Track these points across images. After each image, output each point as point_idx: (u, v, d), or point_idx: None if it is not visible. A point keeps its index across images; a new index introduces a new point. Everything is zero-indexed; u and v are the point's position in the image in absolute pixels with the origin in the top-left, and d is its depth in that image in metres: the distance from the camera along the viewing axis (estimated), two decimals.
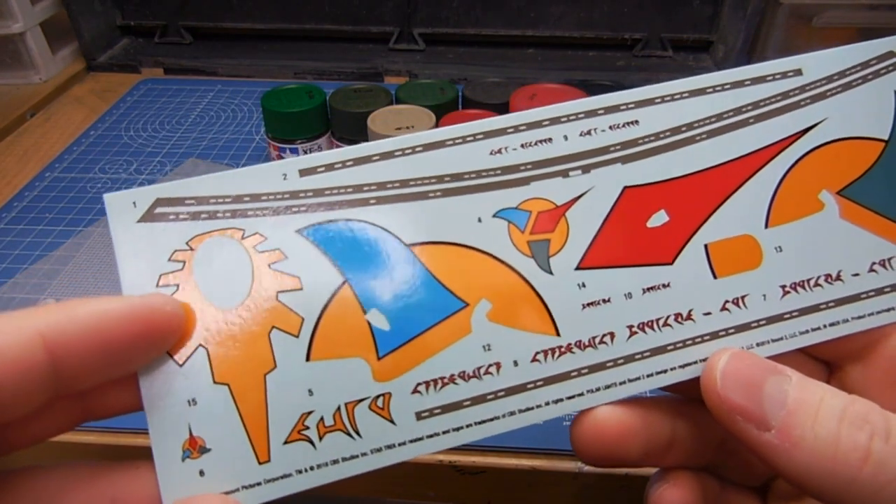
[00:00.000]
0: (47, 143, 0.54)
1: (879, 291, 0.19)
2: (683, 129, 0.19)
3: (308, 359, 0.17)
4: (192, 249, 0.17)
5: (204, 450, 0.16)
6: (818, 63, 0.20)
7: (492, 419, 0.17)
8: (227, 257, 0.17)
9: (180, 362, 0.16)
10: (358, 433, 0.16)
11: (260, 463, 0.16)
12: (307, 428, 0.16)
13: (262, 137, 0.54)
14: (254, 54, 0.66)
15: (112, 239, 0.17)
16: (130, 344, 0.15)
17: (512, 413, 0.17)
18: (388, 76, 0.63)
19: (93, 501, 0.15)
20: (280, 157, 0.47)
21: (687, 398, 0.19)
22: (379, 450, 0.16)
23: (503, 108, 0.45)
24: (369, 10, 0.65)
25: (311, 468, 0.16)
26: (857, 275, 0.19)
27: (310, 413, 0.16)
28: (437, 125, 0.42)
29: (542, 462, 0.30)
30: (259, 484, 0.16)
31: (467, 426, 0.17)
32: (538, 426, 0.30)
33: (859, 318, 0.18)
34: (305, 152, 0.46)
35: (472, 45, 0.68)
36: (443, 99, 0.46)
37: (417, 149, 0.18)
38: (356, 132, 0.45)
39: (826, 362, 0.20)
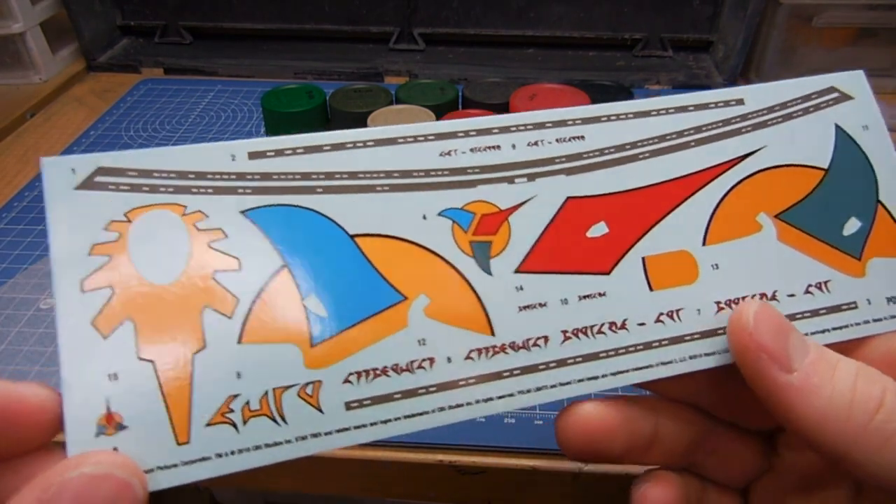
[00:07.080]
0: (47, 143, 0.54)
1: (815, 313, 0.19)
2: (627, 147, 0.20)
3: (240, 341, 0.16)
4: (129, 221, 0.17)
5: (120, 427, 0.15)
6: (760, 94, 0.21)
7: (420, 413, 0.17)
8: (165, 232, 0.17)
9: (105, 334, 0.16)
10: (284, 419, 0.16)
11: (179, 444, 0.15)
12: (232, 411, 0.16)
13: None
14: (254, 54, 0.66)
15: (45, 204, 0.16)
16: None
17: (441, 409, 0.17)
18: (388, 76, 0.63)
19: None
20: None
21: (669, 397, 0.20)
22: (304, 437, 0.16)
23: (503, 108, 0.45)
24: (369, 10, 0.65)
25: (232, 452, 0.16)
26: (792, 296, 0.19)
27: (236, 396, 0.16)
28: None
29: (542, 462, 0.30)
30: (175, 465, 0.15)
31: (395, 419, 0.17)
32: (539, 426, 0.30)
33: None
34: None
35: (472, 45, 0.68)
36: (443, 99, 0.46)
37: (369, 143, 0.18)
38: None
39: None
